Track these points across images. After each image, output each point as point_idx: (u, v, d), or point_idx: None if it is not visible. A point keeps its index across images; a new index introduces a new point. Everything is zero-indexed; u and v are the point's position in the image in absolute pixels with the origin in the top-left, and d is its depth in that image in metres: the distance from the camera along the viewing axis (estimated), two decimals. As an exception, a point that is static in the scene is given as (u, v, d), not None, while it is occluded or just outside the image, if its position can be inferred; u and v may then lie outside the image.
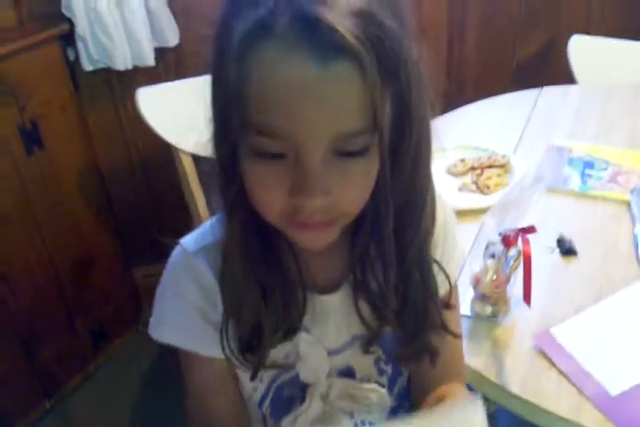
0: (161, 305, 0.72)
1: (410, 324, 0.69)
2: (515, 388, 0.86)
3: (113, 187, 1.88)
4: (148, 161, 1.88)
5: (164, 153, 1.68)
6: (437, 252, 0.71)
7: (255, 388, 0.74)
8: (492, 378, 0.87)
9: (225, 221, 0.63)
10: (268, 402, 0.75)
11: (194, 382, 0.75)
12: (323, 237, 0.60)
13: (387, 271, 0.66)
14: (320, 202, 0.55)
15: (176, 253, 0.72)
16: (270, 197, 0.56)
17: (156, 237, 2.18)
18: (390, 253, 0.63)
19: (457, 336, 0.74)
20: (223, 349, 0.67)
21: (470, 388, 0.84)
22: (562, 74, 1.74)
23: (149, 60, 1.64)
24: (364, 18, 0.49)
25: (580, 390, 0.84)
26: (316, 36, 0.48)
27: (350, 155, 0.54)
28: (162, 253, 2.19)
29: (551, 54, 2.04)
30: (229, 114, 0.53)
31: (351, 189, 0.56)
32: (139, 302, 2.03)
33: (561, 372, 0.87)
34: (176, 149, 1.55)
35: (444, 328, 0.72)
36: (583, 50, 1.71)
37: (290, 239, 0.63)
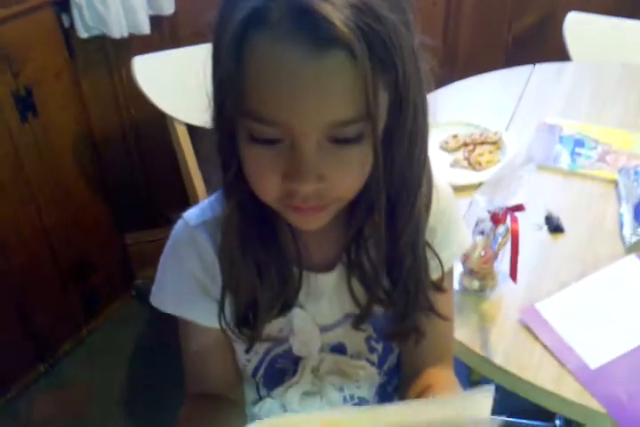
0: (162, 275, 0.74)
1: (400, 304, 0.71)
2: (499, 360, 0.89)
3: (106, 153, 1.88)
4: (141, 128, 1.88)
5: (157, 120, 1.68)
6: (434, 237, 0.72)
7: (249, 359, 0.77)
8: (477, 350, 0.91)
9: (223, 200, 0.65)
10: (261, 372, 0.78)
11: (191, 348, 0.77)
12: (316, 220, 0.62)
13: (379, 253, 0.68)
14: (313, 187, 0.56)
15: (178, 226, 0.74)
16: (266, 181, 0.58)
17: (147, 204, 2.19)
18: (383, 235, 0.65)
19: (445, 319, 0.75)
20: (220, 322, 0.70)
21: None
22: (557, 50, 1.74)
23: (145, 28, 1.63)
24: (360, 8, 0.50)
25: (561, 363, 0.88)
26: (310, 26, 0.49)
27: (345, 142, 0.55)
28: (153, 220, 2.23)
29: (547, 30, 2.04)
30: (225, 99, 0.55)
31: (345, 175, 0.58)
32: (130, 268, 2.06)
33: (544, 345, 0.90)
34: (171, 117, 1.55)
35: (433, 310, 0.73)
36: (579, 27, 1.71)
37: (287, 220, 0.64)
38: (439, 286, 0.74)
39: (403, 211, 0.65)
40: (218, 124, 0.58)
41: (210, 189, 1.60)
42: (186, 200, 1.87)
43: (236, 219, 0.64)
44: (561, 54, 1.71)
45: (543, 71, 1.57)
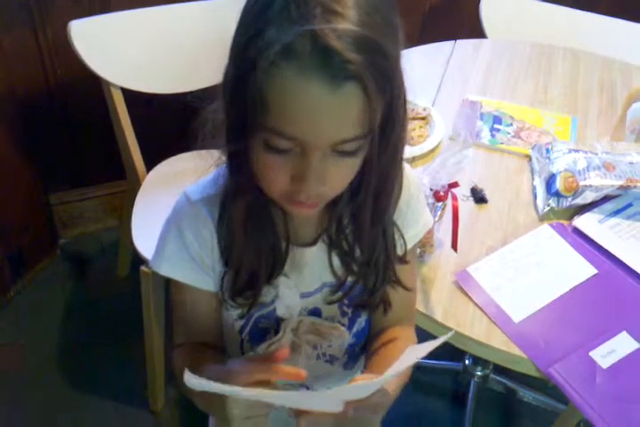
0: (163, 244, 0.83)
1: (370, 277, 0.84)
2: (439, 317, 1.04)
3: (31, 113, 1.85)
4: (68, 88, 1.85)
5: (85, 81, 1.67)
6: (403, 219, 0.85)
7: (237, 318, 0.87)
8: (422, 309, 1.05)
9: (228, 185, 0.75)
10: (247, 330, 0.89)
11: (184, 306, 0.87)
12: (311, 211, 0.74)
13: (356, 235, 0.81)
14: (316, 189, 0.67)
15: (180, 200, 0.82)
16: (274, 181, 0.68)
17: (74, 164, 2.17)
18: (362, 222, 0.78)
19: (408, 289, 0.88)
20: (222, 293, 0.81)
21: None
22: (472, 22, 1.87)
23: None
24: (373, 48, 0.60)
25: (490, 319, 1.04)
26: (330, 64, 0.59)
27: (345, 154, 0.66)
28: (80, 180, 2.24)
29: (461, 5, 2.15)
30: (246, 114, 0.63)
31: (343, 180, 0.70)
32: (56, 228, 2.06)
33: (476, 304, 1.06)
34: (107, 82, 1.56)
35: (399, 283, 0.86)
36: (495, 4, 1.84)
37: (284, 209, 0.75)
38: (403, 259, 0.86)
39: (383, 203, 0.77)
40: (237, 135, 0.66)
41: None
42: (112, 160, 1.88)
43: (240, 206, 0.74)
44: (477, 29, 1.84)
45: (463, 47, 1.70)
